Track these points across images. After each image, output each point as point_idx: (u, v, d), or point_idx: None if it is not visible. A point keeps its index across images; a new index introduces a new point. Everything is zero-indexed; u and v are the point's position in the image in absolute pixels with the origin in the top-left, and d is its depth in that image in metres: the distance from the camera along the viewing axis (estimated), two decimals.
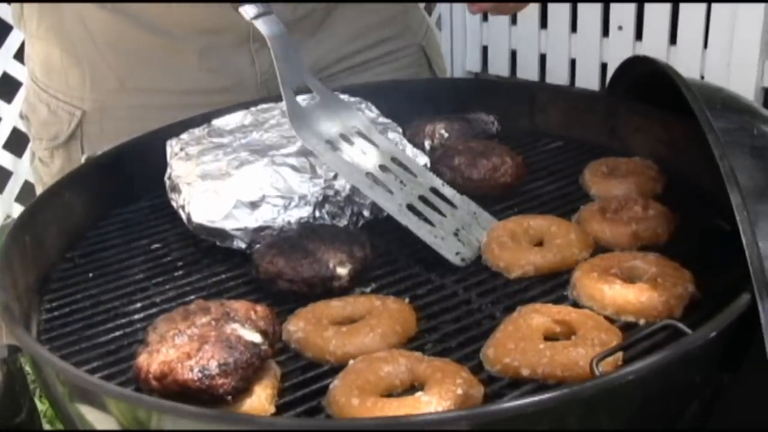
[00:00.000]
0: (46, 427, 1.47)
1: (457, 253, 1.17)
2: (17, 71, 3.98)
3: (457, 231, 1.19)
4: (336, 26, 1.63)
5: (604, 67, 4.41)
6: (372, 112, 1.40)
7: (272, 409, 0.92)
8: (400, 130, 1.37)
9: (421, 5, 1.86)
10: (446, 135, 1.44)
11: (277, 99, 1.45)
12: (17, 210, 4.20)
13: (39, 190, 1.77)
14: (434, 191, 1.23)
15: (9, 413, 1.26)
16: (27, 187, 4.16)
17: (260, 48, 1.55)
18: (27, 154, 3.72)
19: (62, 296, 1.18)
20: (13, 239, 1.16)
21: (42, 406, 2.37)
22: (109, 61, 1.58)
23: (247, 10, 1.29)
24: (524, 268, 1.14)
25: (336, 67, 1.66)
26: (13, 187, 4.26)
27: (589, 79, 4.47)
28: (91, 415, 0.93)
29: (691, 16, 3.98)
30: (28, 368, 1.14)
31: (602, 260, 1.12)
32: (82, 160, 1.41)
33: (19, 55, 3.93)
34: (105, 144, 1.47)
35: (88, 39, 1.57)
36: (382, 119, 1.39)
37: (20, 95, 3.84)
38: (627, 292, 1.05)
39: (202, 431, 0.83)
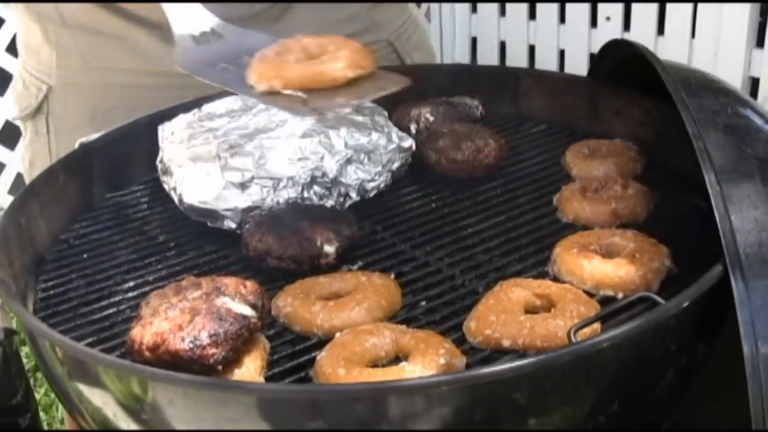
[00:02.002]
0: (40, 414, 1.50)
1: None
2: (9, 64, 3.99)
3: None
4: (294, 23, 1.63)
5: (592, 57, 4.42)
6: None
7: (261, 380, 0.96)
8: (386, 113, 1.41)
9: None
10: (431, 119, 1.47)
11: None
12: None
13: (24, 168, 1.82)
14: None
15: (5, 395, 1.29)
16: (19, 180, 4.17)
17: None
18: (19, 147, 3.74)
19: (57, 276, 1.21)
20: (8, 220, 1.19)
21: (36, 394, 2.40)
22: (75, 39, 1.62)
23: None
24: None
25: None
26: (6, 179, 4.28)
27: (577, 70, 4.48)
28: (88, 390, 0.95)
29: (678, 6, 4.00)
30: (25, 352, 1.17)
31: (582, 237, 1.15)
32: (76, 146, 1.44)
33: (11, 49, 3.94)
34: (68, 120, 1.50)
35: (58, 18, 1.61)
36: (368, 103, 1.41)
37: (12, 88, 3.85)
38: (605, 266, 1.08)
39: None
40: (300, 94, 1.13)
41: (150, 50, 1.60)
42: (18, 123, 1.78)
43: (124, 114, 1.49)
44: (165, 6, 1.29)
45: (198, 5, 1.29)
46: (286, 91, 1.13)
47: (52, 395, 2.90)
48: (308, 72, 1.14)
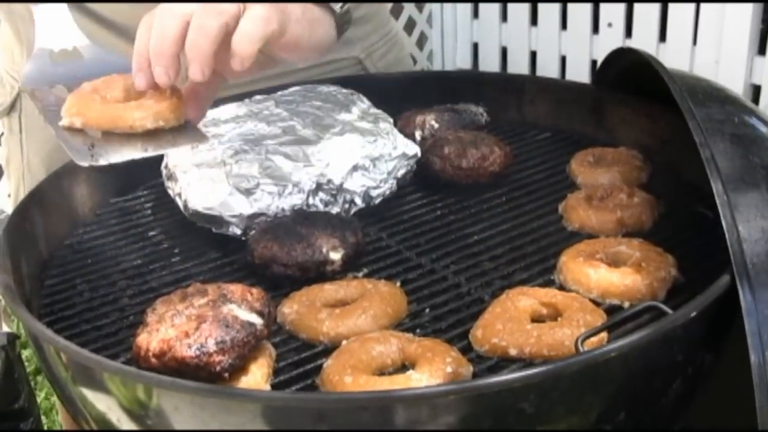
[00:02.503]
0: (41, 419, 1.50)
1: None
2: None
3: None
4: None
5: (594, 64, 4.42)
6: (363, 103, 1.43)
7: (267, 388, 0.95)
8: (391, 120, 1.40)
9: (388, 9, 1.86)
10: (436, 125, 1.48)
11: (270, 90, 1.49)
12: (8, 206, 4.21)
13: (4, 163, 1.81)
14: None
15: (8, 399, 1.29)
16: None
17: None
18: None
19: (62, 281, 1.21)
20: (13, 225, 1.18)
21: (37, 398, 2.39)
22: None
23: None
24: None
25: (261, 72, 1.64)
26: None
27: (579, 76, 4.49)
28: (92, 395, 0.95)
29: (680, 13, 4.00)
30: (25, 356, 1.16)
31: (588, 245, 1.15)
32: None
33: None
34: (38, 119, 1.50)
35: (29, 19, 1.60)
36: (373, 110, 1.42)
37: None
38: (611, 275, 1.08)
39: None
40: (96, 134, 1.11)
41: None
42: None
43: None
44: (36, 15, 1.25)
45: (70, 18, 1.26)
46: (86, 129, 1.12)
47: (52, 399, 2.90)
48: (108, 115, 1.11)
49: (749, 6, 3.72)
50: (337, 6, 1.23)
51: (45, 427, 2.73)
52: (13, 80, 1.69)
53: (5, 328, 1.23)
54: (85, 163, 1.09)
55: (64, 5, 1.25)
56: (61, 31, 1.25)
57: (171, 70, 1.09)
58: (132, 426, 0.92)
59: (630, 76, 1.42)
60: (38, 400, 2.82)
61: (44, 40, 1.24)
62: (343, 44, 1.70)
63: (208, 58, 1.07)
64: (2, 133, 1.79)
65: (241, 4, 1.09)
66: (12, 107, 1.70)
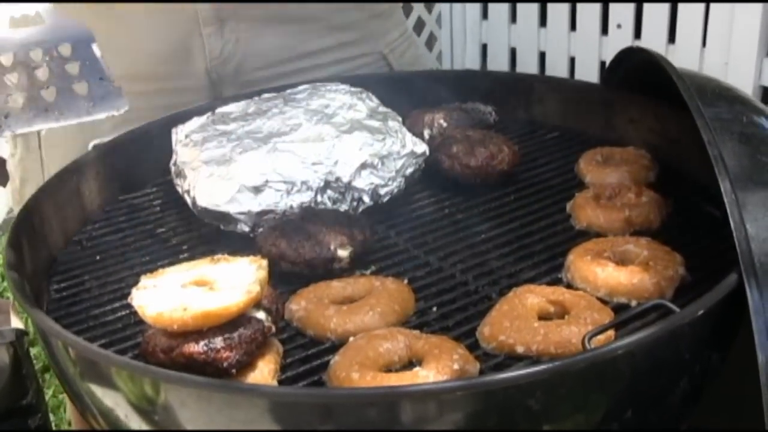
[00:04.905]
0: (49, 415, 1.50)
1: None
2: None
3: None
4: (288, 24, 1.64)
5: (603, 65, 4.42)
6: (372, 101, 1.44)
7: (274, 383, 0.95)
8: (400, 119, 1.41)
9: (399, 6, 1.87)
10: (445, 124, 1.48)
11: (279, 89, 1.49)
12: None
13: (14, 186, 1.77)
14: None
15: (16, 395, 1.29)
16: None
17: (212, 33, 1.58)
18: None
19: (70, 278, 1.21)
20: (22, 221, 1.19)
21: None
22: None
23: None
24: None
25: (289, 66, 1.66)
26: None
27: (588, 77, 4.48)
28: (100, 391, 0.96)
29: (689, 14, 3.99)
30: (34, 354, 1.16)
31: (596, 244, 1.15)
32: (89, 148, 1.44)
33: None
34: (59, 132, 1.50)
35: None
36: (382, 108, 1.42)
37: None
38: (619, 274, 1.08)
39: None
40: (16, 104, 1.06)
41: (132, 52, 1.57)
42: (4, 140, 1.75)
43: (112, 126, 1.45)
44: None
45: None
46: None
47: (60, 397, 2.90)
48: None
49: (759, 7, 3.71)
50: None
51: (53, 425, 2.73)
52: None
53: (14, 324, 1.23)
54: None
55: None
56: None
57: None
58: (140, 421, 0.92)
59: (639, 75, 1.42)
60: (46, 397, 2.82)
61: (4, 4, 1.18)
62: (369, 37, 1.71)
63: None
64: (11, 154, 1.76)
65: None
66: None
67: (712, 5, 3.93)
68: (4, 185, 1.86)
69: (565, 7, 4.45)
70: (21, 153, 1.71)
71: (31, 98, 1.07)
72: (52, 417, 2.86)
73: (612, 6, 4.27)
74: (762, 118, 1.15)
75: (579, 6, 4.40)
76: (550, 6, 4.52)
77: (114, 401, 0.94)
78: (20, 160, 1.71)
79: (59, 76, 1.09)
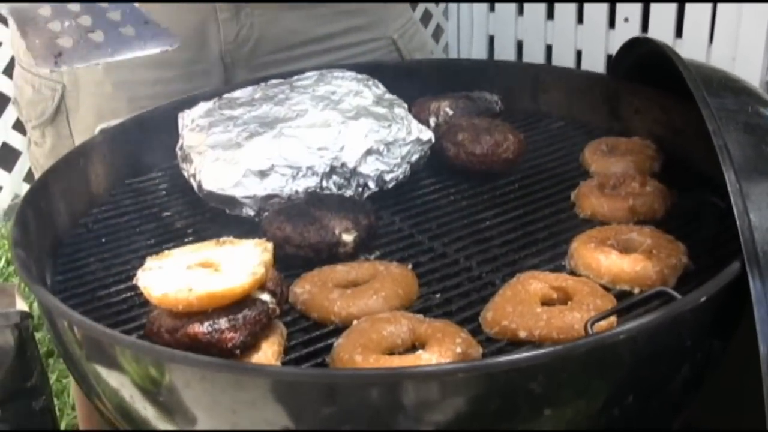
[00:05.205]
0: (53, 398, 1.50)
1: None
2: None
3: None
4: (301, 8, 1.64)
5: (609, 58, 4.42)
6: (379, 88, 1.44)
7: (278, 365, 0.96)
8: (406, 106, 1.41)
9: None
10: (450, 112, 1.48)
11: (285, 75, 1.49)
12: (26, 189, 4.23)
13: (37, 175, 1.76)
14: None
15: (20, 377, 1.30)
16: None
17: (228, 18, 1.58)
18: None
19: (75, 259, 1.22)
20: (28, 203, 1.19)
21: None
22: None
23: None
24: None
25: (301, 50, 1.67)
26: (22, 167, 4.29)
27: (594, 70, 4.49)
28: (105, 372, 0.96)
29: (697, 9, 4.00)
30: (38, 338, 1.17)
31: (599, 232, 1.15)
32: (96, 132, 1.45)
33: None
34: (86, 119, 1.49)
35: None
36: (388, 95, 1.42)
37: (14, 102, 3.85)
38: (622, 261, 1.08)
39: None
40: None
41: None
42: (31, 132, 1.75)
43: (128, 111, 1.47)
44: None
45: None
46: None
47: (64, 381, 2.91)
48: None
49: (766, 2, 3.71)
50: None
51: (57, 409, 2.74)
52: (53, 82, 1.65)
53: (19, 307, 1.23)
54: (46, 68, 1.11)
55: None
56: None
57: None
58: (144, 402, 0.93)
59: (644, 66, 1.42)
60: (50, 382, 2.83)
61: None
62: (379, 22, 1.72)
63: None
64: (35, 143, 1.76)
65: None
66: (57, 111, 1.67)
67: None
68: None
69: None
70: (52, 141, 1.71)
71: (81, 39, 1.11)
72: (55, 401, 2.87)
73: None
74: (767, 109, 1.15)
75: None
76: None
77: (119, 382, 0.94)
78: (51, 148, 1.71)
79: (103, 22, 1.13)
